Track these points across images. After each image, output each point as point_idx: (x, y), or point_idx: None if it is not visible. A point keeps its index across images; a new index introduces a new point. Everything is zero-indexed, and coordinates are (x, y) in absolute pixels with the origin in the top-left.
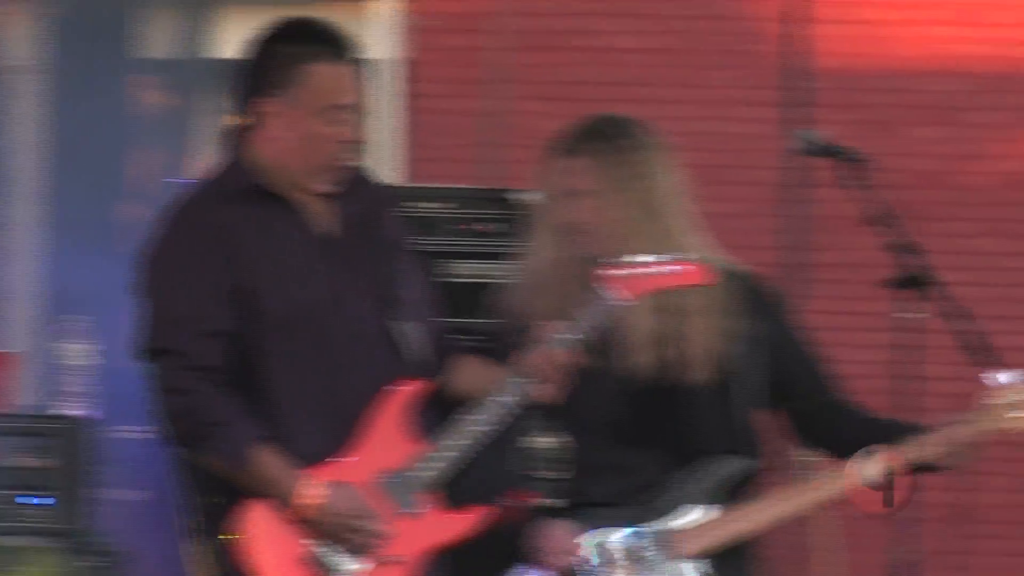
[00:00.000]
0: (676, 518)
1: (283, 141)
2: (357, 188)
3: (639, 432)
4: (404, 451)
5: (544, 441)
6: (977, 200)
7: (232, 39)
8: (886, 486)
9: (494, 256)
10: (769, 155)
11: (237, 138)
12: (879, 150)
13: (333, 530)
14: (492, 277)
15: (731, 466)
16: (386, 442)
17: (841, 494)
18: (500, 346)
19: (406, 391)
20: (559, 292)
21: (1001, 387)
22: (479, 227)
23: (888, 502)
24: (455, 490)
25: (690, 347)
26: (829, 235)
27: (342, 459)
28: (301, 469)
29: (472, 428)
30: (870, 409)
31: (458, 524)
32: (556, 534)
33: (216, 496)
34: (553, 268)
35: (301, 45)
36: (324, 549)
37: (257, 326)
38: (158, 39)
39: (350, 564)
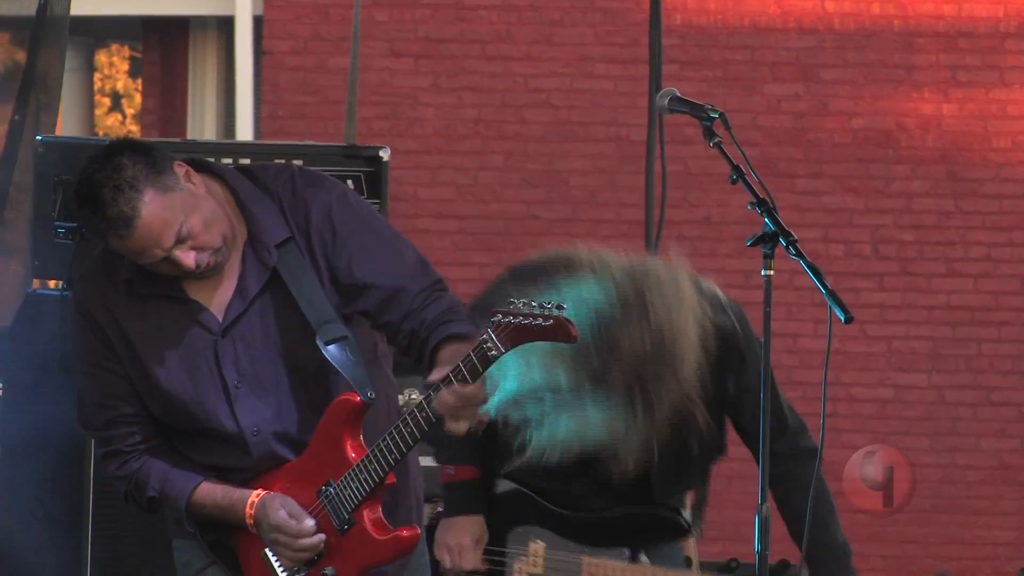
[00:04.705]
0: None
1: None
2: (266, 232)
3: None
4: (342, 462)
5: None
6: (830, 157)
7: None
8: None
9: None
10: (632, 112)
11: None
12: (738, 107)
13: (265, 541)
14: None
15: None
16: (327, 454)
17: None
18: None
19: (342, 403)
20: None
21: None
22: None
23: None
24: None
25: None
26: (691, 192)
27: (289, 467)
28: (243, 488)
29: (397, 439)
30: None
31: (391, 542)
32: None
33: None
34: None
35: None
36: (275, 558)
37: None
38: None
39: (286, 574)
